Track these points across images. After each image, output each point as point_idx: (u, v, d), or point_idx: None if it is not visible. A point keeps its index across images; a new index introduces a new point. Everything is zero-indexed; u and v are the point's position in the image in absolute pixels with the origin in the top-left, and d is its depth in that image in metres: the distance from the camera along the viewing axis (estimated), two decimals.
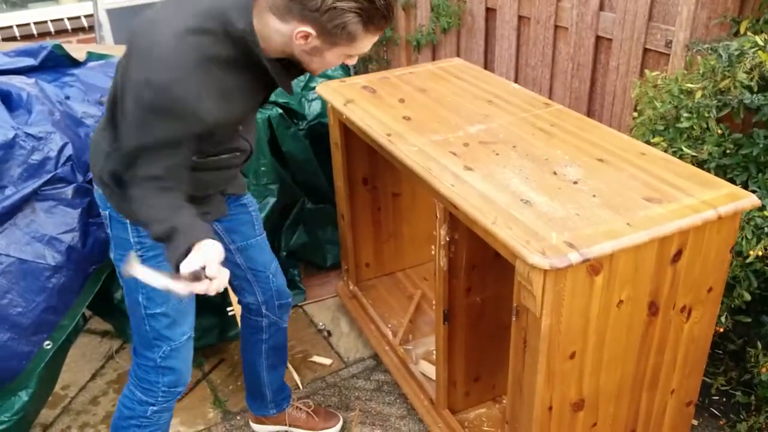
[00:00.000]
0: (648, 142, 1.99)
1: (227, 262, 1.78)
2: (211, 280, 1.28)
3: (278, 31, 1.28)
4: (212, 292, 1.30)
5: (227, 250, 1.63)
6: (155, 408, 1.68)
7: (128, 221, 1.52)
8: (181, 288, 1.29)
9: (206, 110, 1.28)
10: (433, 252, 1.76)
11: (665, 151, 1.93)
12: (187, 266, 1.27)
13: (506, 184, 1.56)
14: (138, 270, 1.31)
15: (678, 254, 1.45)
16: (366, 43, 1.30)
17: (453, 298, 1.78)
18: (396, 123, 1.93)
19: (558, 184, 1.55)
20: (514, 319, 1.43)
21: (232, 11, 1.28)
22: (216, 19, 1.28)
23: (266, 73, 1.36)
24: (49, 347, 1.87)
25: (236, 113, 1.40)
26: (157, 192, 1.33)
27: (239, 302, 1.95)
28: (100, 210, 1.58)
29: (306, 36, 1.26)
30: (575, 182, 1.56)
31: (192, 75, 1.25)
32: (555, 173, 1.60)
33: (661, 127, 2.05)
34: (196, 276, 1.27)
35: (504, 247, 1.39)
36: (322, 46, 1.28)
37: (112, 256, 1.62)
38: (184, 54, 1.24)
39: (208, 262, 1.27)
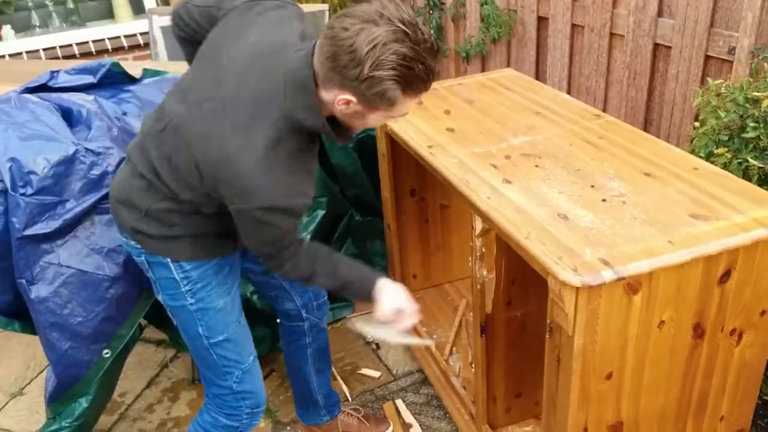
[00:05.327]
0: (711, 153, 1.91)
1: (261, 275, 1.83)
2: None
3: (322, 99, 1.31)
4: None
5: (259, 264, 1.71)
6: None
7: (169, 259, 1.54)
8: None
9: (308, 196, 1.42)
10: (470, 264, 1.74)
11: (729, 162, 1.84)
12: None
13: (545, 197, 1.53)
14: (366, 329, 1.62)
15: (726, 274, 1.38)
16: (406, 105, 1.30)
17: (492, 311, 1.75)
18: (439, 134, 1.92)
19: (599, 199, 1.50)
20: (547, 336, 1.40)
21: (298, 112, 1.32)
22: (286, 122, 1.32)
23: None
24: (107, 356, 1.92)
25: (314, 177, 1.50)
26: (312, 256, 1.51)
27: (276, 311, 1.97)
28: (135, 258, 1.61)
29: (347, 102, 1.27)
30: (617, 197, 1.51)
31: (289, 184, 1.34)
32: (597, 188, 1.55)
33: (725, 138, 1.96)
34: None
35: (536, 262, 1.36)
36: (364, 111, 1.30)
37: (160, 298, 1.63)
38: (276, 172, 1.32)
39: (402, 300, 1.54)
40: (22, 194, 1.77)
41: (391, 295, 1.53)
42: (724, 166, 1.80)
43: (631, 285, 1.30)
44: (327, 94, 1.29)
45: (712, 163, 1.78)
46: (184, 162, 1.41)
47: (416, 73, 1.22)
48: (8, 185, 1.77)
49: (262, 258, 1.49)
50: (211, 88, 1.38)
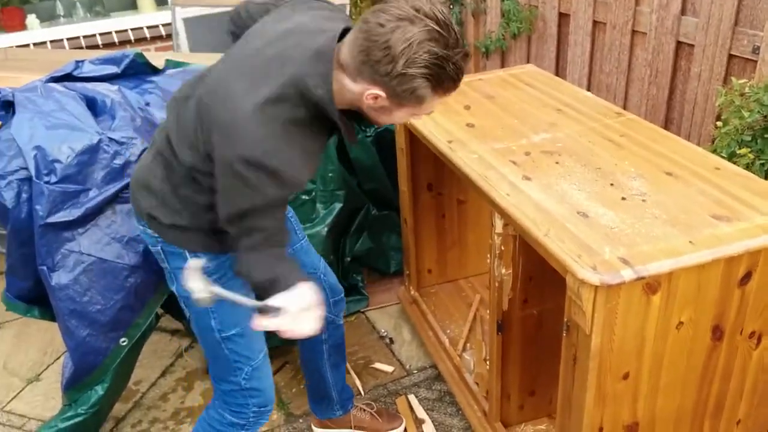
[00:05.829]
0: (733, 153, 1.89)
1: None
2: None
3: (348, 89, 1.30)
4: (284, 335, 1.39)
5: None
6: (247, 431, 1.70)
7: (183, 249, 1.53)
8: (249, 306, 1.41)
9: (300, 173, 1.35)
10: (488, 261, 1.73)
11: (752, 163, 1.82)
12: (271, 300, 1.36)
13: (564, 195, 1.52)
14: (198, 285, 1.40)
15: (747, 276, 1.36)
16: (434, 104, 1.31)
17: (508, 308, 1.74)
18: (459, 130, 1.92)
19: (619, 198, 1.49)
20: (564, 334, 1.39)
21: (310, 78, 1.29)
22: (294, 86, 1.30)
23: (333, 125, 1.39)
24: (124, 344, 1.94)
25: (317, 165, 1.46)
26: (264, 246, 1.38)
27: None
28: (150, 248, 1.61)
29: (376, 97, 1.28)
30: (638, 196, 1.50)
31: (280, 145, 1.29)
32: (618, 186, 1.54)
33: (748, 138, 1.94)
34: (264, 309, 1.36)
35: (555, 260, 1.35)
36: (391, 106, 1.30)
37: (174, 288, 1.62)
38: (269, 126, 1.29)
39: (288, 306, 1.36)
40: (46, 182, 1.80)
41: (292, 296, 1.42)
42: (747, 167, 1.79)
43: (651, 285, 1.29)
44: (356, 87, 1.29)
45: (735, 163, 1.76)
46: (191, 115, 1.40)
47: (447, 72, 1.23)
48: (33, 173, 1.80)
49: (228, 226, 1.40)
50: (237, 50, 1.40)
